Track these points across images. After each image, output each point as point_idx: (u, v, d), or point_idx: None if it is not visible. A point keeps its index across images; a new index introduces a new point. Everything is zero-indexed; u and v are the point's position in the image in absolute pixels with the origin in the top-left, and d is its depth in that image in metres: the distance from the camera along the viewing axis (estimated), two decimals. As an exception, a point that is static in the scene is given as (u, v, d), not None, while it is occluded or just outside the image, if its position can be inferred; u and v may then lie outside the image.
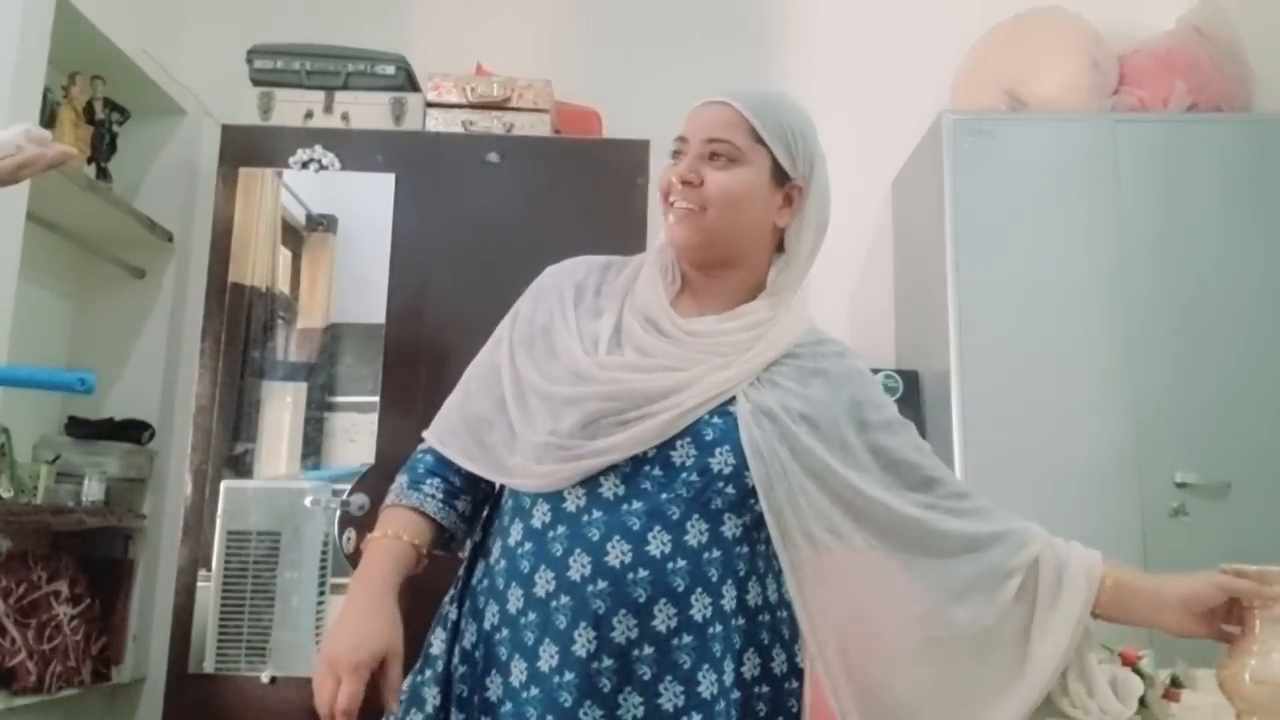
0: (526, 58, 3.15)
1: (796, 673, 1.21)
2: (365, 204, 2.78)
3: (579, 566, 1.12)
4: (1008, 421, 2.58)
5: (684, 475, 1.15)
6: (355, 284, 2.79)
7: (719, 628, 1.13)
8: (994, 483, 2.54)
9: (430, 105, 2.89)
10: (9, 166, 1.34)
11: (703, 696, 1.10)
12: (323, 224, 2.84)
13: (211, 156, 2.85)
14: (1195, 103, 2.88)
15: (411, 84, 2.99)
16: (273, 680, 2.45)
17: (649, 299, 1.24)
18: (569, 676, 1.09)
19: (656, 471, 1.15)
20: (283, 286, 2.80)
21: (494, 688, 1.14)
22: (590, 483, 1.15)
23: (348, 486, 2.53)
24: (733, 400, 1.18)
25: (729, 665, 1.13)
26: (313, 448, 2.70)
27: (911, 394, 2.83)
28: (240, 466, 2.65)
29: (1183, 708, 1.22)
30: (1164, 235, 2.67)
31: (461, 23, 3.31)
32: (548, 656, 1.10)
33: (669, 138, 1.27)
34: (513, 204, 2.74)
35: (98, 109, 2.77)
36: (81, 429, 2.80)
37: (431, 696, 1.17)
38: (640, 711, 1.09)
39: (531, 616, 1.13)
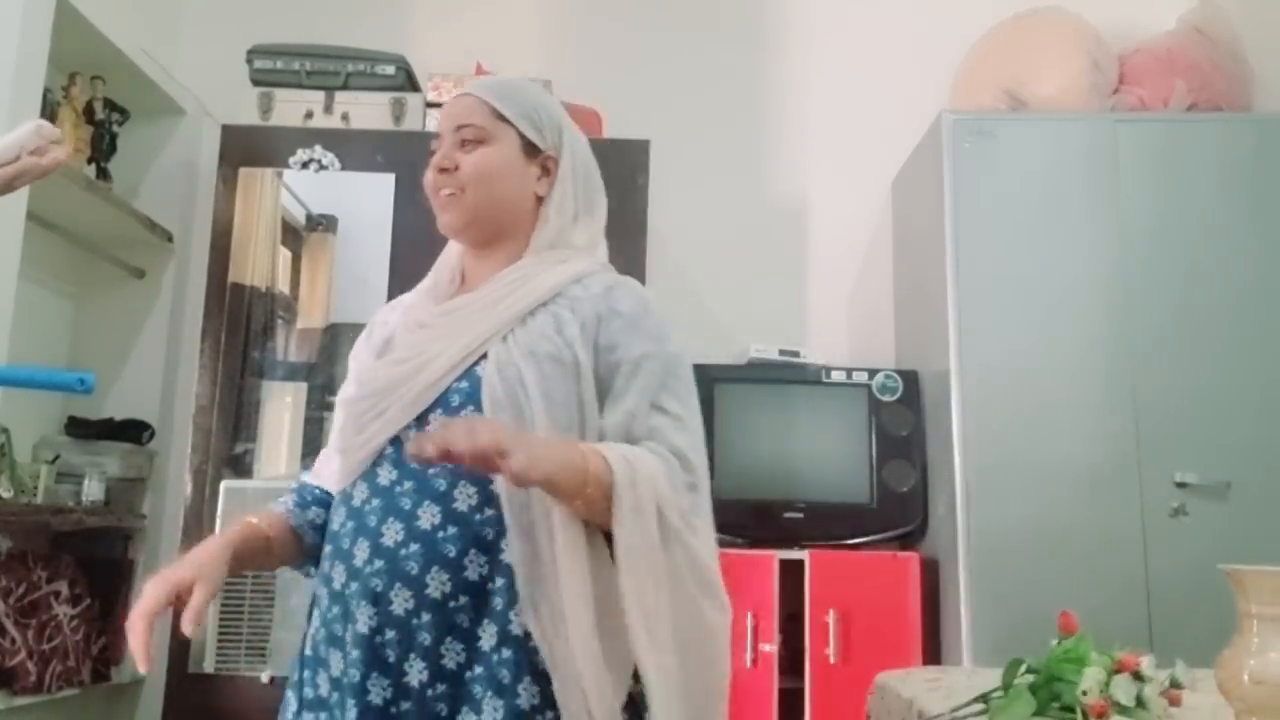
0: (526, 58, 3.15)
1: None
2: (365, 204, 2.78)
3: (361, 553, 1.18)
4: (1008, 421, 2.58)
5: None
6: (355, 284, 2.78)
7: (500, 582, 1.15)
8: (994, 483, 2.54)
9: (430, 105, 2.89)
10: (5, 176, 1.33)
11: (482, 649, 1.14)
12: (323, 224, 2.84)
13: (211, 156, 2.85)
14: (1195, 102, 2.88)
15: (411, 84, 2.99)
16: (272, 680, 2.45)
17: (416, 302, 1.35)
18: (356, 654, 1.15)
19: None
20: (282, 286, 2.80)
21: (323, 684, 1.21)
22: (369, 475, 1.22)
23: (348, 486, 2.53)
24: (484, 359, 1.21)
25: (515, 615, 1.15)
26: (313, 448, 2.69)
27: (911, 394, 2.83)
28: (240, 466, 2.65)
29: (1182, 708, 1.22)
30: (1164, 235, 2.67)
31: (461, 23, 3.32)
32: (349, 640, 1.17)
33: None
34: (513, 204, 2.74)
35: (98, 109, 2.78)
36: (81, 429, 2.80)
37: (294, 700, 1.25)
38: (425, 676, 1.13)
39: (335, 610, 1.19)
